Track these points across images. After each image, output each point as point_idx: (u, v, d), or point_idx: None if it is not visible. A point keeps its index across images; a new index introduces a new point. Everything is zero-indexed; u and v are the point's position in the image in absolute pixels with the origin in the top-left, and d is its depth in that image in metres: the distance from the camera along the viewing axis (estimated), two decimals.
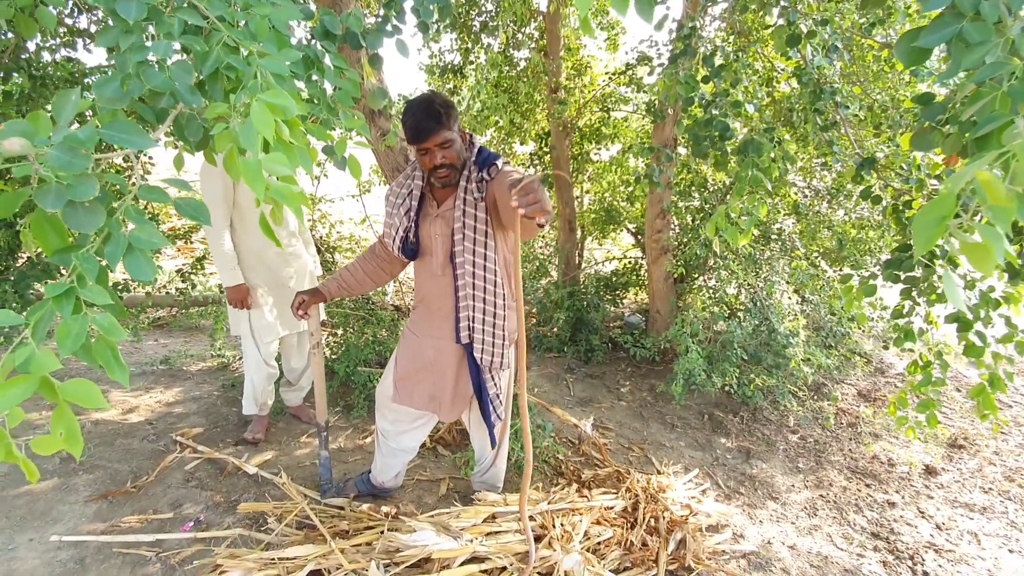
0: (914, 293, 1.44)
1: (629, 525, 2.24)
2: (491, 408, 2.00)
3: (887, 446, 3.30)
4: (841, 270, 4.21)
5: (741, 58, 1.84)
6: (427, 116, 1.67)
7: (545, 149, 4.38)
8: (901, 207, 1.57)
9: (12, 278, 2.85)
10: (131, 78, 0.79)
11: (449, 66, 4.27)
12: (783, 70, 3.50)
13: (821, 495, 2.85)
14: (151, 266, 0.75)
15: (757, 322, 3.52)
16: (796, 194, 4.29)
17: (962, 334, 1.39)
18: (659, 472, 2.82)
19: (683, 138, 3.03)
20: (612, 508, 2.31)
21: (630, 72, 3.77)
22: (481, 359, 1.91)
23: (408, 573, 1.86)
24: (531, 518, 2.12)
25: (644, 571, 2.05)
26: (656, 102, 2.79)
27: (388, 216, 1.97)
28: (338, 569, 1.83)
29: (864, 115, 2.21)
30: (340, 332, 3.66)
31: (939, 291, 1.35)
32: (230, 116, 0.75)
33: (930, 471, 3.10)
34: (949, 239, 0.68)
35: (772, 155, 1.54)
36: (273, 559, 1.76)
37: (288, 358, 2.99)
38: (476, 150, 1.82)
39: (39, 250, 3.44)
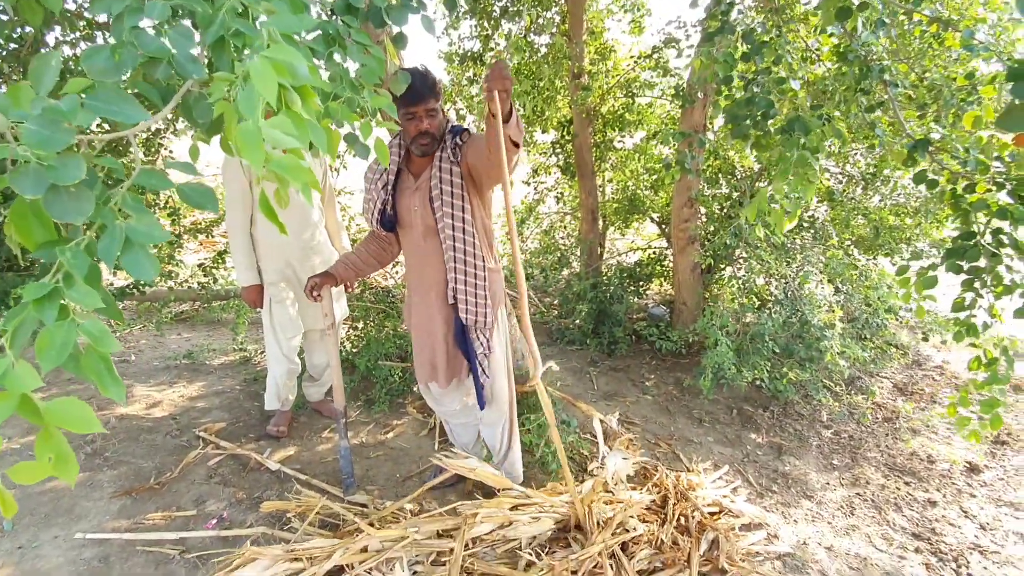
0: (977, 284, 1.33)
1: (659, 522, 2.16)
2: (479, 369, 2.08)
3: (926, 442, 3.16)
4: (875, 259, 4.05)
5: (783, 33, 1.72)
6: (423, 82, 1.81)
7: (567, 137, 4.28)
8: (961, 192, 1.45)
9: (35, 274, 2.87)
10: (123, 46, 0.72)
11: (469, 53, 4.18)
12: (817, 50, 3.34)
13: (858, 493, 2.74)
14: (152, 263, 0.68)
15: (788, 314, 3.39)
16: (829, 180, 4.13)
17: None
18: (688, 469, 2.73)
19: (710, 123, 2.92)
20: (641, 503, 2.24)
21: (656, 55, 3.63)
22: (467, 319, 2.01)
23: (432, 568, 1.81)
24: (553, 507, 2.06)
25: (676, 572, 1.98)
26: (685, 86, 2.66)
27: (366, 192, 2.08)
28: (362, 563, 1.79)
29: (914, 94, 2.08)
30: (360, 325, 3.62)
31: (1006, 282, 1.24)
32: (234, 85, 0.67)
33: (973, 468, 2.96)
34: None
35: (822, 135, 1.44)
36: (295, 551, 1.73)
37: (311, 353, 2.97)
38: (449, 125, 1.95)
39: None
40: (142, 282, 3.34)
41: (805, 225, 3.72)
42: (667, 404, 3.48)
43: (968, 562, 2.32)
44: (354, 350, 3.44)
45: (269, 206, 0.80)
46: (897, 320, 3.88)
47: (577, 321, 4.31)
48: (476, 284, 1.99)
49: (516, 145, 1.61)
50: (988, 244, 1.25)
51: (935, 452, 3.08)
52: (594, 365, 3.95)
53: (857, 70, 1.85)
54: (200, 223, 3.95)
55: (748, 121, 1.48)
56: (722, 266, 3.74)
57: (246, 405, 3.10)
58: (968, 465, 2.98)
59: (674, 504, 2.25)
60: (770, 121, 1.47)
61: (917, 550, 2.38)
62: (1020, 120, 0.91)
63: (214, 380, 3.38)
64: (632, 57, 3.76)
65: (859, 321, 3.45)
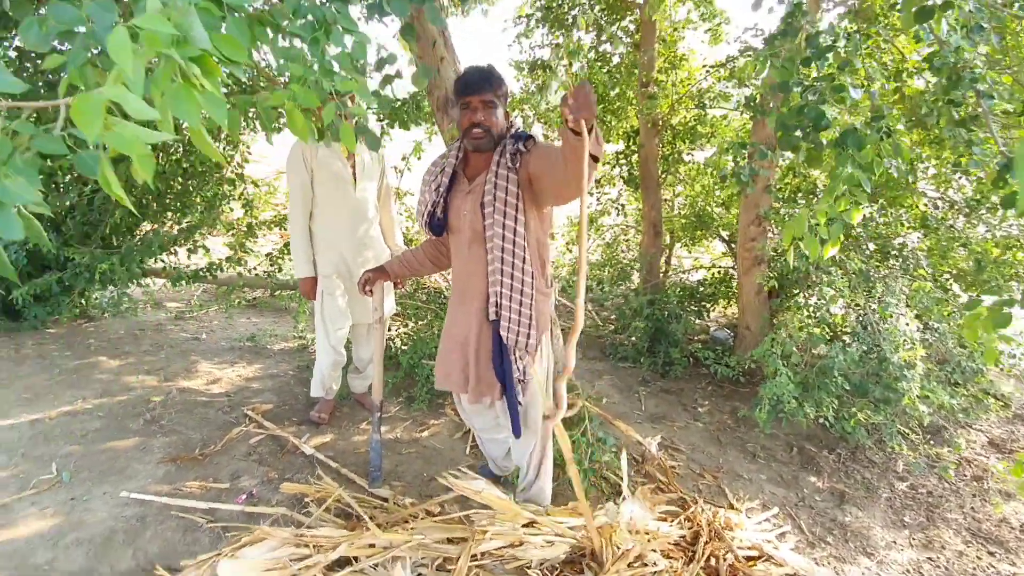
0: None
1: (686, 560, 2.00)
2: (515, 392, 1.93)
3: (1020, 507, 2.75)
4: (978, 295, 3.60)
5: (853, 38, 1.56)
6: (480, 74, 1.76)
7: (633, 147, 4.15)
8: None
9: (121, 252, 3.15)
10: (49, 17, 0.74)
11: (539, 62, 4.17)
12: (917, 61, 3.04)
13: (930, 558, 2.41)
14: (14, 223, 0.68)
15: (866, 348, 3.08)
16: (927, 205, 3.73)
17: None
18: (731, 506, 2.53)
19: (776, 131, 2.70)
20: (668, 537, 2.09)
21: (731, 64, 3.45)
22: (507, 337, 1.87)
23: (436, 575, 1.78)
24: (571, 528, 1.96)
25: None
26: (756, 96, 2.51)
27: (421, 194, 2.00)
28: (369, 557, 1.78)
29: (1016, 107, 1.82)
30: (411, 324, 3.68)
31: None
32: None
33: None
34: None
35: (879, 150, 1.27)
36: (304, 535, 1.75)
37: (358, 346, 3.05)
38: (514, 129, 1.84)
39: (155, 225, 3.81)
40: (214, 267, 3.59)
41: (893, 253, 3.38)
42: (719, 434, 3.26)
43: None
44: (402, 347, 3.49)
45: (202, 138, 0.76)
46: (999, 367, 3.43)
47: (632, 338, 4.15)
48: (522, 302, 1.84)
49: (595, 160, 1.47)
50: None
51: None
52: (645, 385, 3.78)
53: (945, 79, 1.65)
54: (280, 215, 4.19)
55: (797, 131, 1.34)
56: (793, 291, 3.47)
57: (295, 390, 3.23)
58: None
59: (705, 543, 2.08)
60: (822, 132, 1.32)
61: None
62: None
63: (271, 364, 3.56)
64: (706, 67, 3.59)
65: (951, 364, 3.07)
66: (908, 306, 3.13)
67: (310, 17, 0.98)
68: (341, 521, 2.00)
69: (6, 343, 3.50)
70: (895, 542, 2.50)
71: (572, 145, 1.40)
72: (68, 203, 3.42)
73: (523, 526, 1.97)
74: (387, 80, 1.60)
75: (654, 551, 1.96)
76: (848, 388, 2.95)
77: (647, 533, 2.04)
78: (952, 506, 2.77)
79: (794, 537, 2.44)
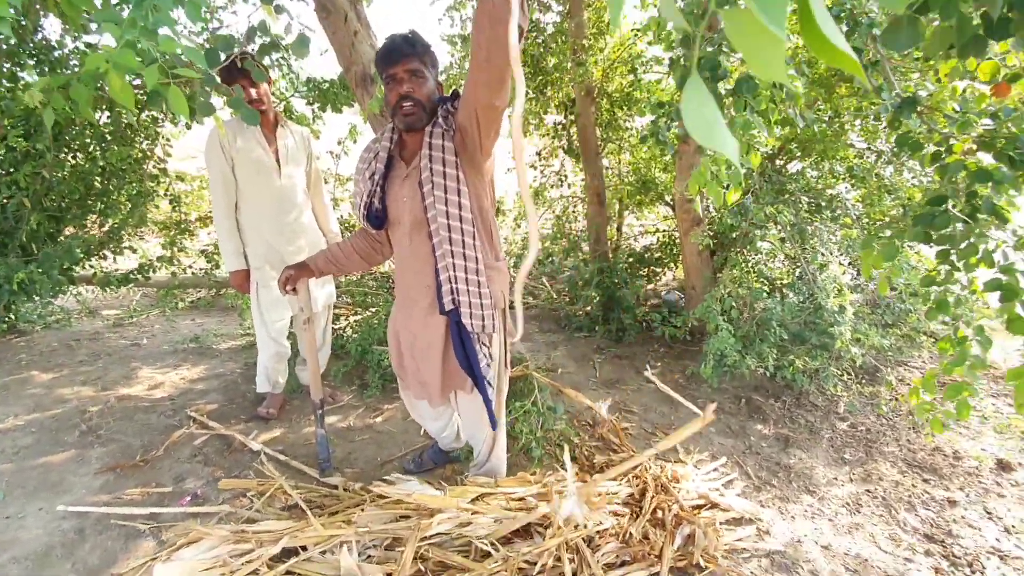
0: (953, 256, 1.16)
1: (633, 516, 2.06)
2: (485, 382, 1.81)
3: (953, 437, 2.91)
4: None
5: None
6: (402, 40, 1.60)
7: (571, 117, 4.14)
8: (943, 153, 1.28)
9: (40, 260, 2.99)
10: None
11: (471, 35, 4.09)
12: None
13: (868, 490, 2.54)
14: None
15: (803, 299, 3.19)
16: (856, 157, 3.84)
17: (1006, 305, 1.11)
18: (679, 460, 2.60)
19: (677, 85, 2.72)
20: (616, 495, 2.14)
21: (658, 28, 3.44)
22: (471, 324, 1.73)
23: (386, 555, 1.78)
24: (520, 499, 1.98)
25: (646, 567, 1.87)
26: (678, 58, 2.51)
27: (355, 184, 1.84)
28: (316, 545, 1.77)
29: (913, 50, 1.87)
30: (360, 313, 3.63)
31: (980, 254, 1.08)
32: None
33: (1004, 466, 2.70)
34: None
35: (772, 97, 1.29)
36: (245, 531, 1.72)
37: (301, 337, 2.98)
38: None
39: (76, 229, 3.62)
40: (145, 268, 3.45)
41: (824, 204, 3.48)
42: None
43: (984, 567, 2.11)
44: (352, 335, 3.45)
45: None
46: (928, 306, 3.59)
47: (586, 308, 4.20)
48: (479, 282, 1.69)
49: (520, 32, 1.21)
50: (959, 211, 1.09)
51: (962, 448, 2.83)
52: (599, 353, 3.84)
53: (844, 26, 1.68)
54: (208, 214, 4.04)
55: None
56: (732, 249, 3.55)
57: (243, 388, 3.16)
58: (999, 463, 2.72)
59: (652, 497, 2.13)
60: (720, 82, 1.33)
61: (928, 552, 2.19)
62: (906, 37, 0.76)
63: (217, 363, 3.46)
64: (635, 31, 3.59)
65: (881, 307, 3.20)
66: (841, 254, 3.24)
67: None
68: (286, 514, 1.98)
69: None
70: (836, 478, 2.62)
71: (494, 6, 1.18)
72: None
73: (473, 500, 1.98)
74: (263, 50, 1.53)
75: (601, 509, 2.00)
76: (787, 337, 3.05)
77: (597, 495, 2.08)
78: (888, 440, 2.91)
79: (741, 483, 2.52)
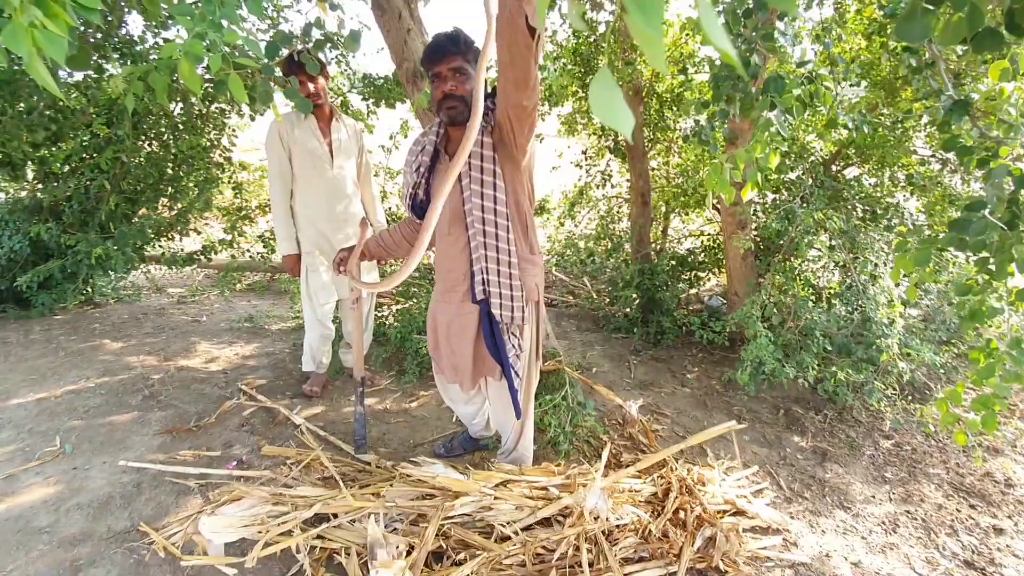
0: (992, 264, 1.12)
1: (655, 514, 2.06)
2: (512, 372, 1.89)
3: (1007, 463, 2.76)
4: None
5: None
6: (446, 39, 1.66)
7: None
8: (990, 157, 1.23)
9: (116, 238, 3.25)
10: None
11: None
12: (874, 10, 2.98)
13: (908, 511, 2.44)
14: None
15: (850, 309, 3.08)
16: (921, 164, 3.67)
17: None
18: (706, 464, 2.58)
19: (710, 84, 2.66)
20: (639, 492, 2.15)
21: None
22: (501, 315, 1.81)
23: (410, 528, 1.86)
24: (543, 488, 2.02)
25: (664, 565, 1.88)
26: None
27: (404, 175, 1.95)
28: (346, 514, 1.87)
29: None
30: (403, 302, 3.75)
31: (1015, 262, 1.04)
32: None
33: None
34: None
35: (803, 96, 1.28)
36: (283, 494, 1.84)
37: (346, 321, 3.12)
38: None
39: (148, 211, 3.91)
40: (208, 250, 3.69)
41: (880, 212, 3.35)
42: (705, 398, 3.29)
43: None
44: (393, 323, 3.57)
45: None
46: (988, 324, 3.39)
47: (625, 309, 4.18)
48: (510, 275, 1.77)
49: (532, 31, 1.27)
50: (997, 217, 1.05)
51: (1016, 476, 2.68)
52: (636, 354, 3.82)
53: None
54: (265, 201, 4.27)
55: (728, 83, 1.35)
56: (776, 254, 3.46)
57: (290, 367, 3.33)
58: None
59: (675, 497, 2.13)
60: (750, 81, 1.33)
61: None
62: (920, 28, 0.75)
63: (268, 343, 3.66)
64: (686, 30, 3.54)
65: (935, 321, 3.06)
66: (887, 264, 3.11)
67: None
68: (321, 483, 2.09)
69: (16, 329, 3.65)
70: (874, 496, 2.53)
71: (510, 12, 1.25)
72: (66, 193, 3.53)
73: (497, 485, 2.04)
74: (318, 45, 1.63)
75: (624, 505, 2.02)
76: (830, 349, 2.96)
77: (620, 492, 2.10)
78: (936, 462, 2.78)
79: (772, 493, 2.48)
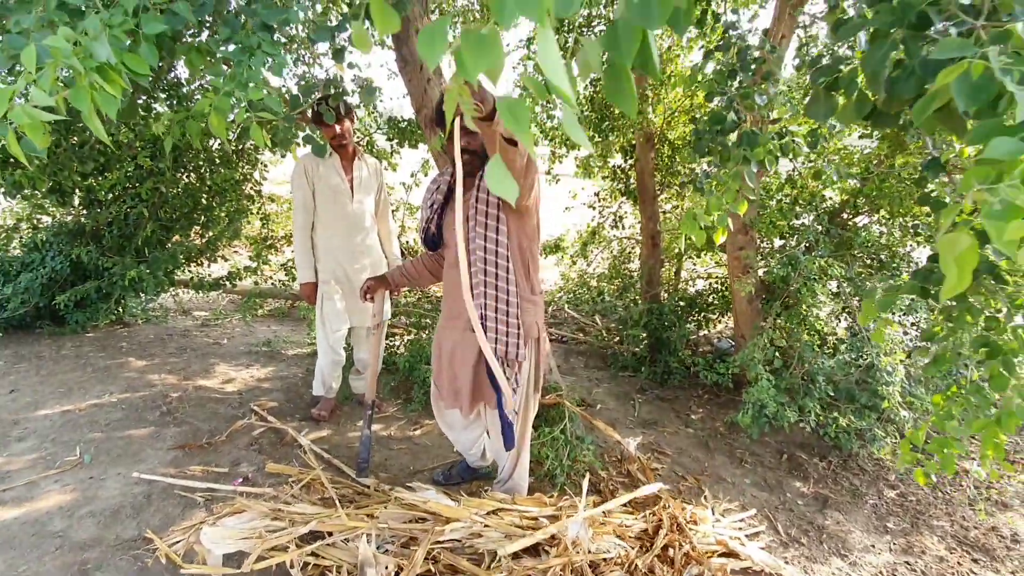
0: (954, 313, 1.18)
1: (643, 550, 2.08)
2: (503, 402, 1.99)
3: (1014, 518, 2.69)
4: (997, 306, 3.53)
5: (778, 49, 1.68)
6: None
7: (631, 162, 4.28)
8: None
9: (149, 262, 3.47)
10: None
11: (545, 83, 4.36)
12: None
13: (907, 562, 2.40)
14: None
15: (855, 355, 3.09)
16: (926, 216, 3.71)
17: (990, 363, 1.11)
18: (701, 504, 2.58)
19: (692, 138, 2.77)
20: (630, 528, 2.17)
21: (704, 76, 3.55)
22: (495, 348, 1.91)
23: (400, 551, 1.91)
24: (534, 519, 2.06)
25: None
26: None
27: (420, 211, 2.15)
28: (340, 533, 1.93)
29: None
30: (414, 333, 3.87)
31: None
32: None
33: None
34: None
35: (771, 149, 1.38)
36: (281, 510, 1.92)
37: (358, 348, 3.24)
38: None
39: (181, 238, 4.17)
40: (233, 276, 3.89)
41: (885, 261, 3.38)
42: (708, 439, 3.30)
43: None
44: (402, 352, 3.68)
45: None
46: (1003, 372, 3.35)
47: (633, 348, 4.23)
48: (508, 312, 1.88)
49: (512, 143, 1.45)
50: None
51: (1022, 531, 2.61)
52: (642, 393, 3.85)
53: None
54: (289, 231, 4.48)
55: (707, 136, 1.46)
56: (778, 298, 3.50)
57: (301, 391, 3.45)
58: None
59: (666, 534, 2.15)
60: (727, 135, 1.43)
61: None
62: (824, 108, 0.85)
63: (283, 367, 3.80)
64: (685, 79, 3.70)
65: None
66: (901, 313, 3.12)
67: (239, 44, 1.19)
68: (320, 503, 2.17)
69: (49, 344, 3.86)
70: (873, 546, 2.50)
71: (487, 134, 1.44)
72: (107, 219, 3.78)
73: (488, 513, 2.09)
74: (336, 96, 1.80)
75: (613, 538, 2.05)
76: (832, 394, 2.96)
77: (606, 524, 2.13)
78: (940, 513, 2.73)
79: (767, 537, 2.47)
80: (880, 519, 2.70)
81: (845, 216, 3.97)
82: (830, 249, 3.28)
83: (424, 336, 3.81)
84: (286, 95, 1.56)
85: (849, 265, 3.12)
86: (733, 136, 1.45)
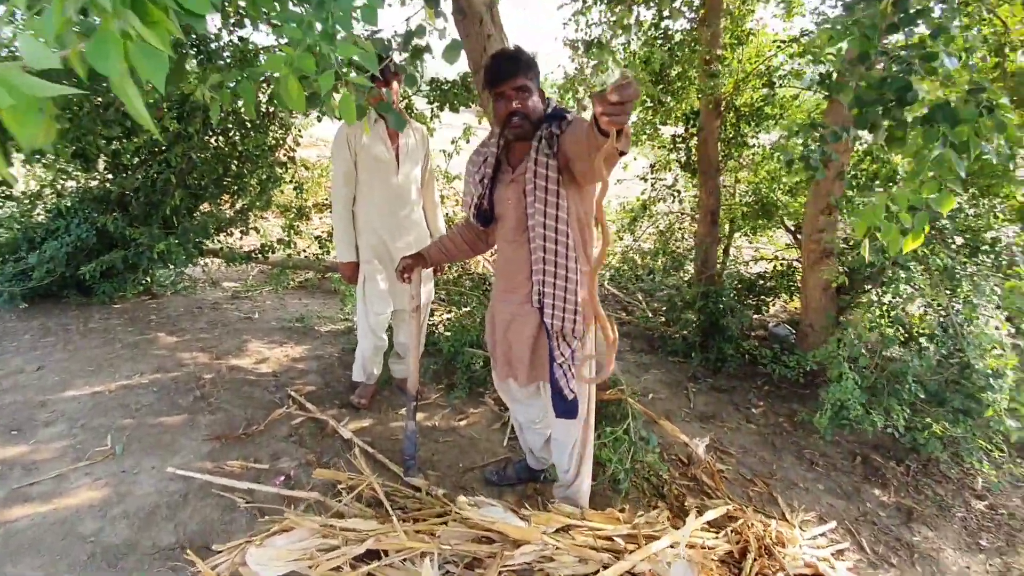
0: None
1: None
2: (558, 377, 1.89)
3: None
4: None
5: (950, 1, 1.34)
6: (507, 59, 1.71)
7: (692, 130, 3.92)
8: None
9: (178, 232, 3.25)
10: None
11: (595, 41, 3.98)
12: (1022, 31, 2.69)
13: None
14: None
15: (946, 353, 2.79)
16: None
17: None
18: (783, 518, 2.36)
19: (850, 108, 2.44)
20: (712, 549, 1.95)
21: (806, 38, 3.15)
22: (551, 324, 1.84)
23: (464, 573, 1.73)
24: (608, 539, 1.86)
25: None
26: (832, 72, 2.28)
27: (465, 184, 1.97)
28: (398, 552, 1.75)
29: None
30: (455, 311, 3.64)
31: None
32: None
33: None
34: None
35: (977, 129, 1.08)
36: (334, 526, 1.74)
37: (399, 332, 3.03)
38: (550, 108, 1.78)
39: (211, 207, 3.92)
40: (266, 248, 3.66)
41: (984, 248, 3.03)
42: (773, 437, 3.06)
43: None
44: (445, 334, 3.46)
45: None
46: None
47: (683, 331, 3.96)
48: (566, 288, 1.81)
49: (621, 154, 1.37)
50: None
51: None
52: (695, 381, 3.60)
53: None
54: (323, 200, 4.23)
55: (877, 107, 1.15)
56: (864, 287, 3.18)
57: (339, 372, 3.26)
58: None
59: (754, 559, 1.93)
60: (907, 107, 1.13)
61: None
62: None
63: (318, 345, 3.61)
64: (777, 42, 3.31)
65: None
66: (999, 308, 2.80)
67: None
68: (371, 511, 1.98)
69: (76, 316, 3.71)
70: (969, 567, 2.27)
71: (596, 143, 1.31)
72: (134, 185, 3.56)
73: (557, 531, 1.89)
74: (416, 53, 1.51)
75: (696, 563, 1.84)
76: (923, 396, 2.68)
77: (691, 547, 1.92)
78: None
79: (854, 555, 2.25)
80: (971, 535, 2.46)
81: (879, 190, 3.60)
82: None
83: (464, 314, 3.57)
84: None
85: (950, 253, 2.79)
86: (913, 109, 1.15)
